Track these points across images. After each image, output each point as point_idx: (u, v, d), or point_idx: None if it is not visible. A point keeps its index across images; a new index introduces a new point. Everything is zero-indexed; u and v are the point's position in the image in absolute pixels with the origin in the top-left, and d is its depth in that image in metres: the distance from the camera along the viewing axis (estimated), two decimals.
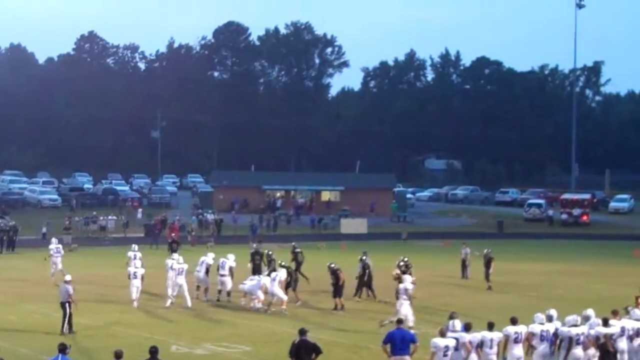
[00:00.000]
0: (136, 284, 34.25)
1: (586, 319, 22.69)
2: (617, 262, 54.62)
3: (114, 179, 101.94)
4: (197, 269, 36.75)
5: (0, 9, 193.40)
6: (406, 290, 29.85)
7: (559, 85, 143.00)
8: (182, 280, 34.40)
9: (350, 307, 34.31)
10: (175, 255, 36.79)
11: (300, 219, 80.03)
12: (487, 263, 41.75)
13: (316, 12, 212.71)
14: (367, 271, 37.35)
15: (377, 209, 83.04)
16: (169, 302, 34.12)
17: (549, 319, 22.59)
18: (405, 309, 29.14)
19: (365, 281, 37.15)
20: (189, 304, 33.83)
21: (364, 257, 38.05)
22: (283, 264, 35.55)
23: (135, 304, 34.11)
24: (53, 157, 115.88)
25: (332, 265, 34.95)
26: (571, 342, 21.83)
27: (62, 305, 28.84)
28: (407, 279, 30.58)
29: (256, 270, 37.89)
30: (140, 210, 76.65)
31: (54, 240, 46.49)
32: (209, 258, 36.91)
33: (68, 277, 29.74)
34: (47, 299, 35.10)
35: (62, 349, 18.36)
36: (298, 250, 40.99)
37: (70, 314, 28.66)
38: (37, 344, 26.32)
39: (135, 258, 40.37)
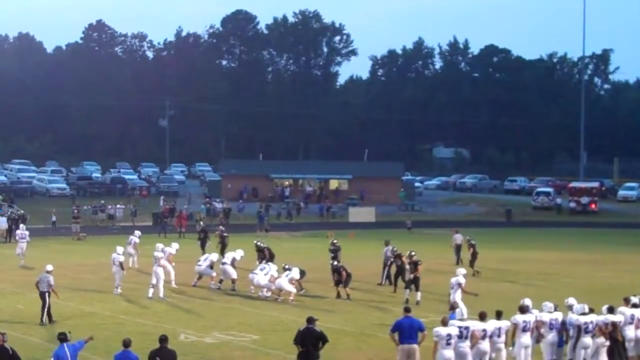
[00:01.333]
0: (114, 270, 34.44)
1: (569, 308, 22.71)
2: (626, 251, 54.54)
3: (122, 167, 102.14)
4: (199, 263, 36.85)
5: None
6: (459, 284, 29.73)
7: (568, 73, 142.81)
8: (156, 267, 34.06)
9: (357, 296, 34.32)
10: (160, 245, 36.23)
11: (308, 208, 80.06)
12: (469, 250, 42.59)
13: (324, 0, 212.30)
14: (337, 253, 38.13)
15: (367, 197, 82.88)
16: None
17: (526, 309, 22.54)
18: (458, 299, 28.93)
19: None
20: (161, 294, 33.56)
21: (335, 241, 39.54)
22: (286, 266, 35.21)
23: (116, 290, 34.30)
24: (61, 146, 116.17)
25: (335, 264, 35.09)
26: (579, 330, 21.87)
27: (42, 295, 28.54)
28: (461, 272, 30.43)
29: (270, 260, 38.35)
30: (162, 198, 76.07)
31: (21, 226, 48.18)
32: (213, 256, 37.21)
33: (49, 267, 29.36)
34: (56, 288, 35.18)
35: (63, 338, 18.38)
36: (225, 234, 46.81)
37: (49, 304, 28.47)
38: (46, 333, 26.43)
39: (130, 243, 41.17)
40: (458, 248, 45.88)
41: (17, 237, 46.68)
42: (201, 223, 54.14)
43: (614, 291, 28.61)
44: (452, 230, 49.61)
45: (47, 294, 28.50)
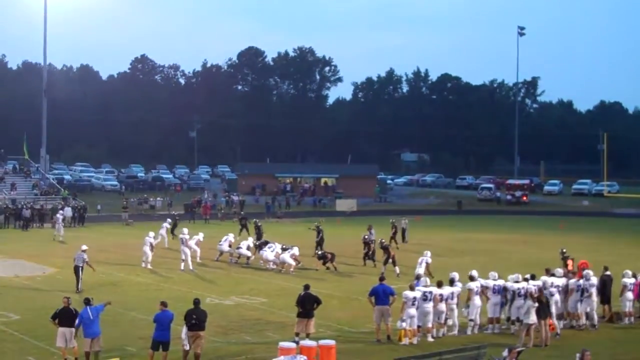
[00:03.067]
0: (144, 249, 34.16)
1: (470, 278, 22.59)
2: (549, 233, 54.58)
3: (161, 169, 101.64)
4: (220, 242, 36.76)
5: (74, 37, 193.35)
6: (427, 262, 29.77)
7: (505, 95, 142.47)
8: (183, 247, 33.86)
9: (343, 269, 34.31)
10: (185, 230, 35.86)
11: (304, 200, 79.89)
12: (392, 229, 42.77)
13: (317, 39, 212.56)
14: (320, 235, 38.08)
15: (344, 191, 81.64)
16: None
17: (471, 278, 22.53)
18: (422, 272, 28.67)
19: (318, 243, 38.00)
20: (190, 267, 33.32)
21: (319, 225, 39.52)
22: (284, 246, 35.17)
23: (143, 264, 33.84)
24: (113, 152, 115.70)
25: (320, 253, 35.14)
26: (514, 294, 21.93)
27: (76, 268, 27.91)
28: (428, 253, 30.40)
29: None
30: (206, 192, 75.24)
31: (65, 209, 52.16)
32: (231, 237, 37.23)
33: (84, 247, 28.83)
34: (109, 262, 35.13)
35: (87, 302, 18.07)
36: (177, 217, 49.75)
37: (81, 276, 27.85)
38: (102, 296, 26.29)
39: (163, 227, 41.48)
40: (403, 231, 45.97)
41: (58, 217, 47.52)
42: (242, 213, 53.75)
43: (540, 264, 28.60)
44: (415, 217, 49.70)
45: (80, 268, 27.88)
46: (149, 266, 33.73)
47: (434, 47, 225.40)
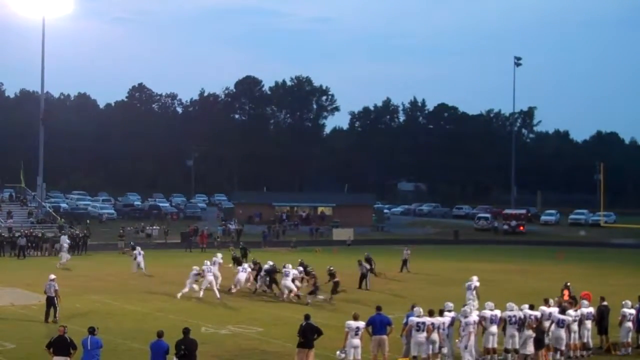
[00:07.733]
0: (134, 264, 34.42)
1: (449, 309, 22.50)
2: (546, 263, 54.60)
3: (158, 197, 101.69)
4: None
5: (72, 65, 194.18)
6: (476, 287, 29.90)
7: (502, 125, 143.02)
8: (208, 275, 33.95)
9: (339, 297, 34.18)
10: (219, 254, 36.61)
11: (300, 229, 79.79)
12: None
13: (314, 68, 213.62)
14: (307, 269, 38.14)
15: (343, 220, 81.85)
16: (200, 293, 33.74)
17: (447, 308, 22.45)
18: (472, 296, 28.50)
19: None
20: (201, 294, 33.42)
21: (301, 260, 38.95)
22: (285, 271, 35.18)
23: (180, 294, 33.67)
24: (110, 180, 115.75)
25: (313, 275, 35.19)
26: (506, 323, 21.84)
27: (50, 299, 27.39)
28: (474, 278, 30.39)
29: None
30: (221, 218, 75.62)
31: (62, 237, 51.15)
32: (219, 258, 37.03)
33: (52, 276, 28.46)
34: (106, 291, 35.02)
35: (92, 331, 18.12)
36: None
37: (56, 306, 27.44)
38: (97, 325, 26.17)
39: (214, 264, 40.27)
40: (404, 261, 45.94)
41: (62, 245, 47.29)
42: (240, 243, 53.47)
43: (537, 294, 28.56)
44: (412, 246, 49.62)
45: (54, 299, 27.55)
46: (178, 295, 33.21)
47: (431, 76, 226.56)
